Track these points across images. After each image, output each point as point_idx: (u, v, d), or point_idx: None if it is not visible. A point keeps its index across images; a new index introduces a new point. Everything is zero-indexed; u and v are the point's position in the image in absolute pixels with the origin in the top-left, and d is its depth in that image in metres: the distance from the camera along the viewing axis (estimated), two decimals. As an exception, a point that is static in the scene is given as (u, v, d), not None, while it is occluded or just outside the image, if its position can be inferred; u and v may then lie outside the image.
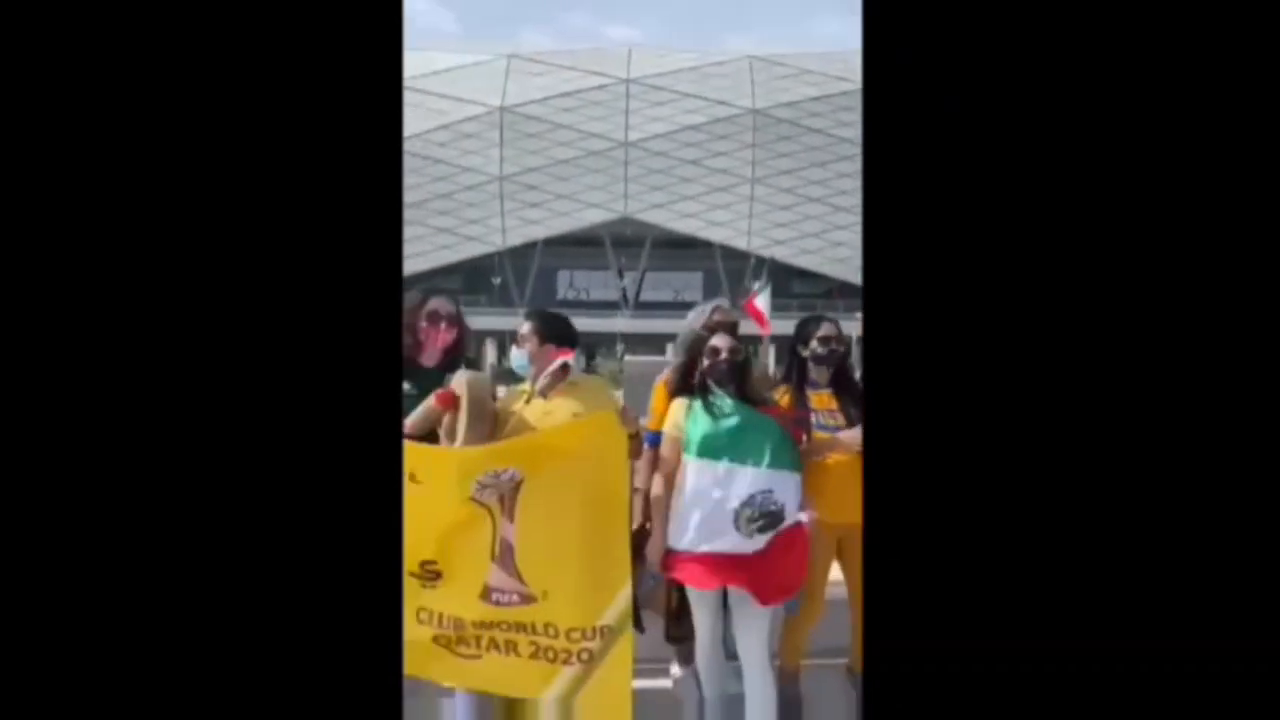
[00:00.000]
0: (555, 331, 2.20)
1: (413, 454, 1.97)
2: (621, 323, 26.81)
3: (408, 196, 30.36)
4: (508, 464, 1.98)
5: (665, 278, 30.23)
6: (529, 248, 29.41)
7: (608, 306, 28.99)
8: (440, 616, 2.03)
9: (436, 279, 27.71)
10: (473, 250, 28.86)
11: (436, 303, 2.33)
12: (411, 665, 2.10)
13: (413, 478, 1.92)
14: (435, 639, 2.04)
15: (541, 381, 2.11)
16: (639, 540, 2.02)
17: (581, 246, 30.00)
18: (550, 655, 2.00)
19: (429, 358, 2.30)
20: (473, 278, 26.85)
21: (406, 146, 28.75)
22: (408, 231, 29.53)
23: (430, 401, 2.12)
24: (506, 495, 1.99)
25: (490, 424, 2.11)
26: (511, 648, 2.01)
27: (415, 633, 2.03)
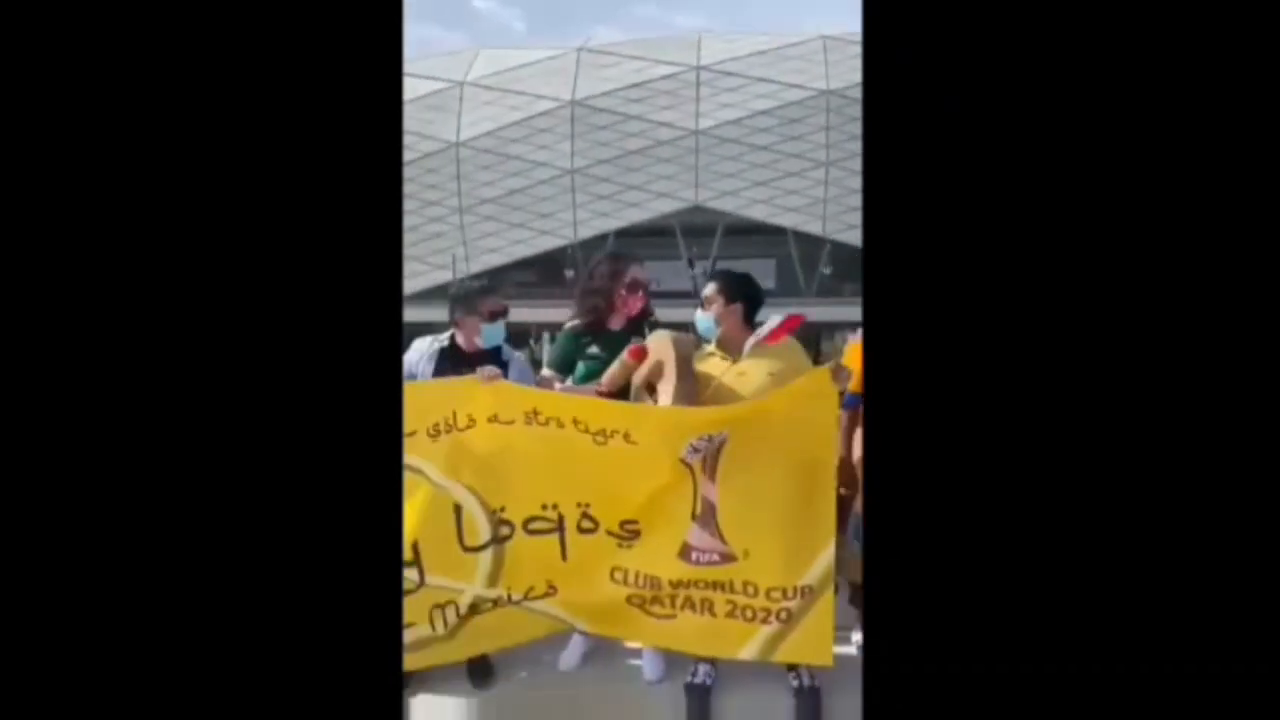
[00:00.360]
0: (741, 291, 2.23)
1: (627, 413, 2.05)
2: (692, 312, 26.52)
3: (485, 192, 31.21)
4: (723, 429, 1.98)
5: (737, 265, 29.89)
6: (600, 239, 29.66)
7: (679, 296, 28.93)
8: (637, 575, 2.04)
9: (511, 273, 28.32)
10: (547, 244, 29.36)
11: (636, 271, 2.43)
12: (603, 626, 2.15)
13: (627, 437, 1.98)
14: (629, 599, 2.04)
15: (750, 346, 2.12)
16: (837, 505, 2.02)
17: (652, 236, 30.03)
18: (748, 614, 1.97)
19: (617, 321, 2.38)
20: (547, 271, 27.34)
21: (483, 144, 29.57)
22: (487, 226, 30.35)
23: (624, 357, 2.19)
24: (709, 455, 2.00)
25: (695, 381, 2.14)
26: (708, 606, 1.99)
27: (609, 592, 2.05)
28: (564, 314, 2.75)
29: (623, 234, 29.46)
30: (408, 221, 31.40)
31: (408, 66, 31.99)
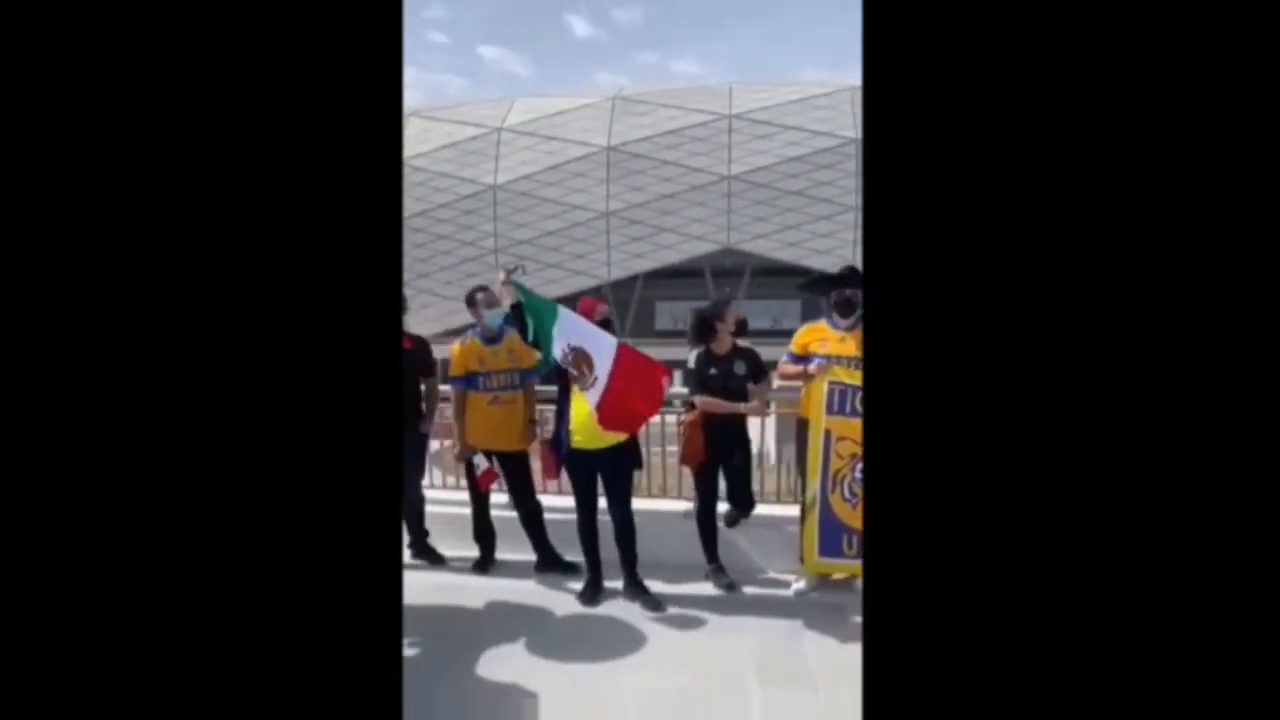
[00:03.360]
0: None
1: None
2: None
3: (520, 234, 31.88)
4: None
5: (764, 306, 30.14)
6: (631, 280, 30.16)
7: (709, 336, 29.05)
8: None
9: (545, 310, 28.87)
10: (580, 284, 29.91)
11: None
12: None
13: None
14: None
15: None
16: None
17: (681, 277, 30.46)
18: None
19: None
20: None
21: (520, 187, 30.45)
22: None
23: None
24: None
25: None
26: None
27: None
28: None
29: (653, 275, 29.95)
30: (444, 261, 32.40)
31: (445, 114, 33.22)
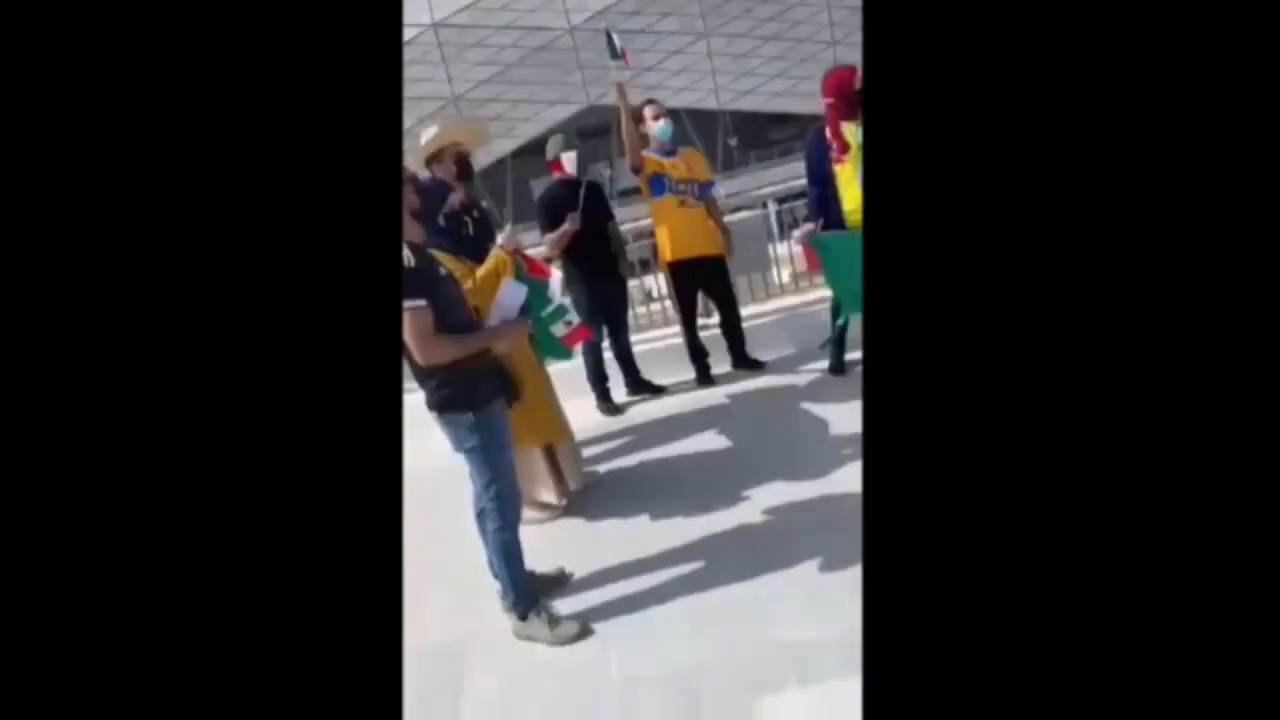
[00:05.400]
0: None
1: None
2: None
3: (368, 141, 29.32)
4: None
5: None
6: (499, 165, 28.89)
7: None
8: None
9: (420, 217, 27.48)
10: (445, 179, 28.44)
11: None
12: None
13: None
14: None
15: None
16: None
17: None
18: None
19: None
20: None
21: (351, 90, 27.78)
22: (378, 177, 28.90)
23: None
24: None
25: None
26: None
27: None
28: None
29: (519, 154, 28.74)
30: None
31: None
